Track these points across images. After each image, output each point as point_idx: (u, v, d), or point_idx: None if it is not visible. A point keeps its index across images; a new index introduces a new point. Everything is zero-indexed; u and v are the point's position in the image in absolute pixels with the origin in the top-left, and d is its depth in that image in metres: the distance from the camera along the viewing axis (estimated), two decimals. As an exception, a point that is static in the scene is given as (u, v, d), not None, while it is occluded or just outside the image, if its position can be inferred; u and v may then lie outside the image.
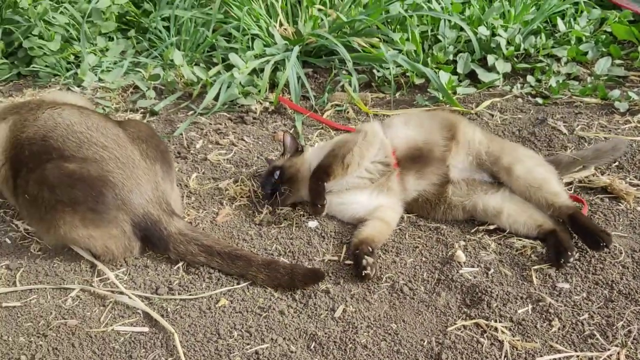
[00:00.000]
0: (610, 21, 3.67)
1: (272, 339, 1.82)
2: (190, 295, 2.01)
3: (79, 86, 3.57)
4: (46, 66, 3.76)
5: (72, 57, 3.83)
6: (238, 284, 2.05)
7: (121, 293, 2.02)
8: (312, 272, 2.04)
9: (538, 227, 2.17)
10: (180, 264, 2.14)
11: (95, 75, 3.63)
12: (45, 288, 2.06)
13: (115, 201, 2.08)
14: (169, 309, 1.95)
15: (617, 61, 3.44)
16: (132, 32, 4.01)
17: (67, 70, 3.74)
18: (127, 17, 4.14)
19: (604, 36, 3.64)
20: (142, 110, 3.31)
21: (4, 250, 2.26)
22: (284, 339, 1.82)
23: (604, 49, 3.54)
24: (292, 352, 1.77)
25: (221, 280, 2.07)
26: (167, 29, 3.92)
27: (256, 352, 1.78)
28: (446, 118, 2.48)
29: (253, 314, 1.92)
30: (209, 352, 1.79)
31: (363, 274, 2.00)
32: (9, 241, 2.31)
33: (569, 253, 2.04)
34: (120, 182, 2.11)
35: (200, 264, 2.12)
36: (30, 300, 2.02)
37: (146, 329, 1.88)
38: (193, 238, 2.13)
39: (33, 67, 3.75)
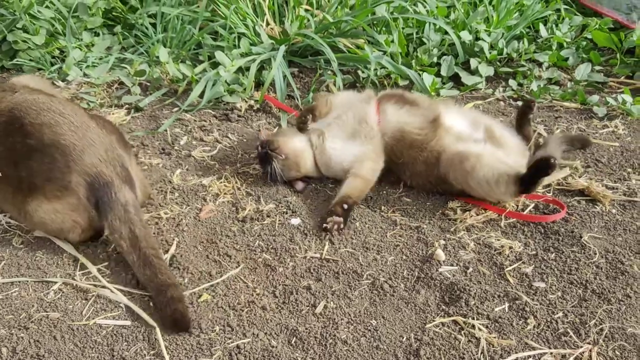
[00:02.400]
0: (591, 28, 3.73)
1: (253, 333, 1.84)
2: (172, 289, 2.02)
3: (63, 81, 3.56)
4: (30, 60, 3.74)
5: (57, 52, 3.80)
6: (220, 277, 2.07)
7: (103, 287, 2.03)
8: (177, 320, 1.87)
9: None
10: (166, 256, 2.14)
11: (80, 70, 3.62)
12: (27, 281, 2.06)
13: (67, 163, 2.06)
14: (151, 303, 1.96)
15: (597, 67, 3.51)
16: (118, 28, 3.99)
17: (52, 64, 3.72)
18: (114, 13, 4.12)
19: (584, 43, 3.71)
20: (127, 106, 3.31)
21: (-14, 243, 2.25)
22: (265, 334, 1.85)
23: (584, 55, 3.60)
24: (273, 346, 1.80)
25: (204, 275, 2.08)
26: (154, 25, 3.91)
27: (237, 347, 1.80)
28: None
29: (235, 309, 1.94)
30: (191, 346, 1.80)
31: None
32: (-10, 234, 2.30)
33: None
34: (72, 144, 2.08)
35: (120, 250, 2.05)
36: (12, 292, 2.02)
37: (128, 323, 1.89)
38: (130, 219, 2.03)
39: (17, 60, 3.72)
